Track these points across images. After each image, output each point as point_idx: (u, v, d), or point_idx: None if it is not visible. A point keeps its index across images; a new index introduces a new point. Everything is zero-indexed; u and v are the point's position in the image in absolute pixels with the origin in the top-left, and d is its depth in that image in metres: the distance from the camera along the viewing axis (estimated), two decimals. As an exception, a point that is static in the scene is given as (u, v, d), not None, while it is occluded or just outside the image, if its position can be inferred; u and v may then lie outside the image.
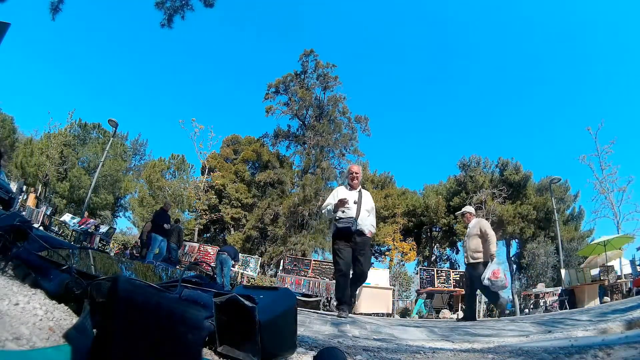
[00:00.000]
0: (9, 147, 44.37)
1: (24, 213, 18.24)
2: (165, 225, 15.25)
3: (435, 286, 17.97)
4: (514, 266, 37.97)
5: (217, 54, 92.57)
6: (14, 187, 29.04)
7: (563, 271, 17.22)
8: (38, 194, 36.68)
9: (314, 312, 7.43)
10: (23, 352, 1.34)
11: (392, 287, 16.47)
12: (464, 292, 17.05)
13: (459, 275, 18.29)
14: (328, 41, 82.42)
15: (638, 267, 15.30)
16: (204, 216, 38.52)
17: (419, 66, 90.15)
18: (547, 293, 17.69)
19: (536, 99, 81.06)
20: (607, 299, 13.58)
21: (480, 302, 21.56)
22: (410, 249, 37.90)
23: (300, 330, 3.25)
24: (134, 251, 20.14)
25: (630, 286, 14.22)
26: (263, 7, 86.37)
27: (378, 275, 18.76)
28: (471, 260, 8.25)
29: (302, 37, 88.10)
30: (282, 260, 23.51)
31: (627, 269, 15.67)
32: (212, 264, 18.27)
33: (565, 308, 14.63)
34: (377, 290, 17.17)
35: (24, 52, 73.42)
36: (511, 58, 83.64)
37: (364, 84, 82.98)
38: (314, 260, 17.31)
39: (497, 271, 7.62)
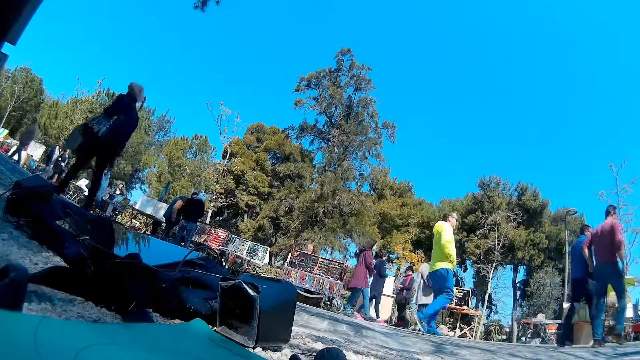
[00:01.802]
0: (34, 107, 45.00)
1: (40, 173, 18.37)
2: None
3: (437, 300, 17.97)
4: (518, 292, 37.76)
5: (251, 40, 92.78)
6: (37, 148, 29.40)
7: (566, 305, 17.13)
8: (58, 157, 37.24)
9: (314, 309, 7.59)
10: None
11: (394, 295, 16.51)
12: (464, 311, 17.10)
13: (462, 294, 18.23)
14: (366, 43, 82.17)
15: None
16: (220, 199, 38.77)
17: (455, 81, 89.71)
18: (548, 325, 17.63)
19: (565, 128, 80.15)
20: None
21: (479, 322, 21.50)
22: (418, 261, 37.81)
23: (298, 325, 3.42)
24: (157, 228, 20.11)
25: (629, 330, 14.14)
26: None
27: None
28: None
29: (341, 36, 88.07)
30: (290, 254, 23.65)
31: (629, 313, 15.53)
32: (221, 247, 18.51)
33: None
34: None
35: (63, 17, 74.45)
36: (546, 88, 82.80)
37: (394, 88, 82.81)
38: (321, 258, 17.32)
39: None
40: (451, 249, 8.33)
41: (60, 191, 7.63)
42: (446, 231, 8.43)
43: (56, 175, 18.38)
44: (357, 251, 13.27)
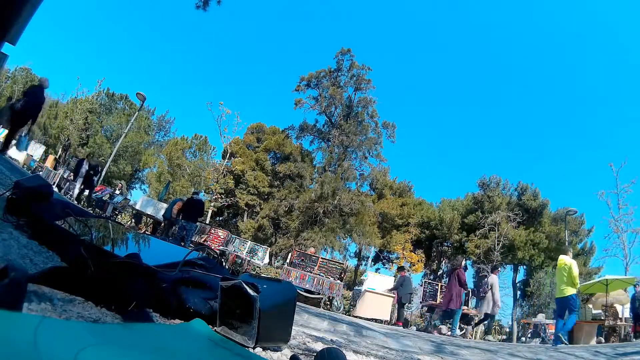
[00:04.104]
0: (34, 107, 45.09)
1: (41, 173, 17.94)
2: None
3: (438, 301, 17.95)
4: (518, 292, 37.71)
5: (252, 40, 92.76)
6: (37, 148, 29.30)
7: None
8: (57, 157, 37.20)
9: (314, 309, 7.60)
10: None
11: (394, 295, 16.50)
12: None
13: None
14: (366, 43, 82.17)
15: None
16: (219, 199, 38.72)
17: (455, 81, 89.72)
18: (548, 324, 17.63)
19: (565, 128, 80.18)
20: (601, 339, 13.53)
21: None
22: (418, 261, 37.80)
23: (298, 325, 3.42)
24: (156, 228, 20.13)
25: (629, 330, 14.15)
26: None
27: (382, 281, 18.79)
28: None
29: (341, 36, 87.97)
30: (290, 254, 23.65)
31: (626, 313, 15.50)
32: (221, 247, 18.51)
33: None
34: (379, 296, 17.23)
35: (63, 17, 74.45)
36: (545, 88, 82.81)
37: (395, 88, 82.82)
38: (321, 258, 17.31)
39: None
40: (578, 280, 10.57)
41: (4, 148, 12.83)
42: (575, 265, 10.46)
43: (87, 190, 17.64)
44: (449, 271, 13.29)
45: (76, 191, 16.76)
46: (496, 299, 13.39)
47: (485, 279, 14.07)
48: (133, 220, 23.45)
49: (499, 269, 15.81)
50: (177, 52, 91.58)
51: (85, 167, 17.45)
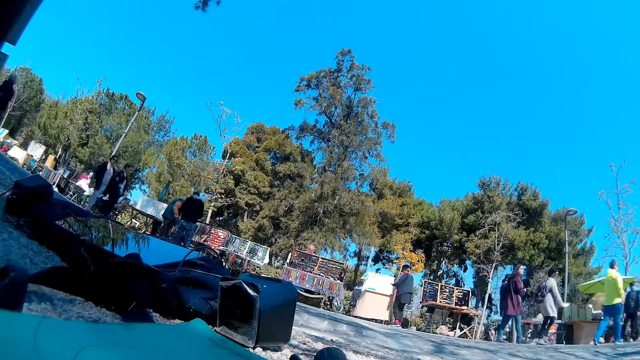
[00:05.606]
0: (34, 107, 45.03)
1: (41, 173, 17.61)
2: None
3: (438, 301, 17.92)
4: (519, 292, 37.64)
5: (252, 40, 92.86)
6: (37, 148, 29.38)
7: (566, 305, 17.09)
8: (57, 157, 37.21)
9: (314, 309, 7.59)
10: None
11: (393, 294, 16.48)
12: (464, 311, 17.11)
13: (462, 293, 18.19)
14: (366, 44, 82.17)
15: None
16: (219, 199, 38.65)
17: (455, 81, 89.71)
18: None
19: (565, 128, 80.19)
20: (601, 339, 13.51)
21: (479, 322, 21.52)
22: (418, 261, 37.73)
23: (298, 325, 3.42)
24: (156, 228, 20.10)
25: (629, 330, 14.12)
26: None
27: (382, 281, 18.74)
28: None
29: (341, 36, 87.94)
30: (290, 254, 23.63)
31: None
32: (221, 247, 18.50)
33: (562, 343, 14.63)
34: (379, 296, 17.21)
35: (63, 17, 74.44)
36: (545, 88, 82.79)
37: (395, 88, 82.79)
38: (321, 258, 17.30)
39: None
40: (623, 291, 12.29)
41: None
42: (620, 278, 12.19)
43: (121, 200, 15.64)
44: (505, 280, 13.47)
45: (97, 196, 15.16)
46: (558, 300, 13.66)
47: (544, 283, 14.25)
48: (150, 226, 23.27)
49: (556, 272, 15.96)
50: (177, 52, 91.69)
51: (109, 172, 15.26)
